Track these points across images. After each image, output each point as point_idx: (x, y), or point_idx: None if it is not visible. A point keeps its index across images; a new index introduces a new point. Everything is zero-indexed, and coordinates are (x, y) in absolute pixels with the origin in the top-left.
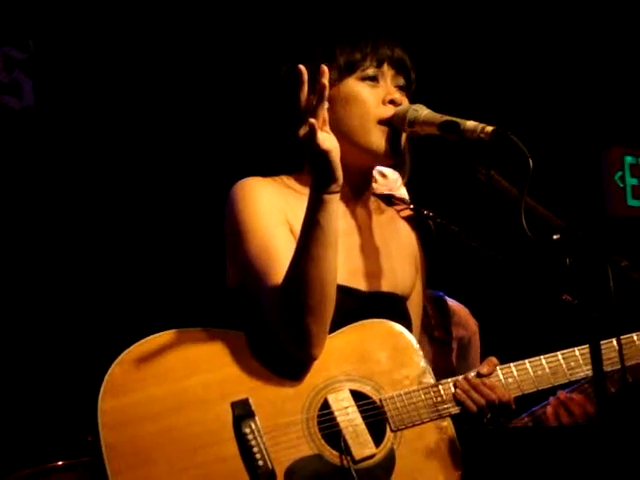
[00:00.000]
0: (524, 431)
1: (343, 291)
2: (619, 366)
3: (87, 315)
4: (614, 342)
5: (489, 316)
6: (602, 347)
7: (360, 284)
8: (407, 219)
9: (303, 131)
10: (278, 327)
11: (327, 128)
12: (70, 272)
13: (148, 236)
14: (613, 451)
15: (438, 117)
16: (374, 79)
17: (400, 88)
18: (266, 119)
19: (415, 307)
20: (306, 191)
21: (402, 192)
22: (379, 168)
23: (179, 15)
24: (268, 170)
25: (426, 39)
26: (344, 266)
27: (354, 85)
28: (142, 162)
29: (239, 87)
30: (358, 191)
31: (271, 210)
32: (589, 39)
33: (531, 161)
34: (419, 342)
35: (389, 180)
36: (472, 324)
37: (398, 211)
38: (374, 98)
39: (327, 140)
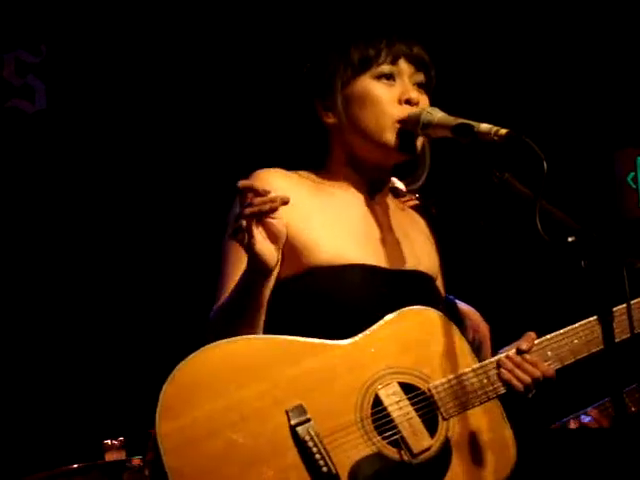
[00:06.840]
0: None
1: (368, 270)
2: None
3: (105, 319)
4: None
5: (500, 317)
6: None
7: (385, 263)
8: (413, 208)
9: None
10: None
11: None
12: (85, 273)
13: (165, 235)
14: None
15: (452, 120)
16: (390, 77)
17: (419, 86)
18: (290, 117)
19: (443, 288)
20: (323, 184)
21: None
22: None
23: (193, 17)
24: (293, 166)
25: (438, 41)
26: (367, 248)
27: (368, 84)
28: (155, 165)
29: (264, 87)
30: (375, 186)
31: None
32: (602, 39)
33: (545, 163)
34: None
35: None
36: (484, 327)
37: (403, 202)
38: (390, 97)
39: (259, 243)
